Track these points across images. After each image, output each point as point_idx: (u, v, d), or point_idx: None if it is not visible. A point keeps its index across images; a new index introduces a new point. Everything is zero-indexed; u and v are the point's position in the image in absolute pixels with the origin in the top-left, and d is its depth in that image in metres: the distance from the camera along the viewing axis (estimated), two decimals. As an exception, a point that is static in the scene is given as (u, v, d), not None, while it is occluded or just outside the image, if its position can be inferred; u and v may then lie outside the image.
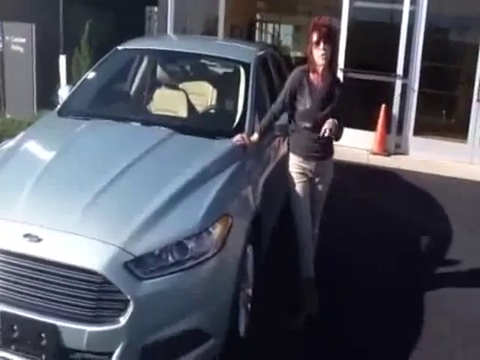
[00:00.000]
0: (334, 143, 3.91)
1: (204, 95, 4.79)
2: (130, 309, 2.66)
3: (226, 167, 3.45)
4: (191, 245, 2.85)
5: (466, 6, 8.14)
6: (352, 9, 8.59)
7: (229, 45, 5.85)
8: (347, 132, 3.99)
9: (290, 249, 3.95)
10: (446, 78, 8.84)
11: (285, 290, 4.10)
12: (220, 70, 5.27)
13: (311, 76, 3.77)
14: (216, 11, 9.88)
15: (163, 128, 3.84)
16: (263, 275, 3.77)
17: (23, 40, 8.72)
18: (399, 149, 8.55)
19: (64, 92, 4.52)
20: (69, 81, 8.38)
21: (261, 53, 4.90)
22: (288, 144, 4.07)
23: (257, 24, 16.10)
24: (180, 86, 4.82)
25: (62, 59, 8.77)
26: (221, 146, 3.68)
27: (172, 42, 5.79)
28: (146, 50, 5.01)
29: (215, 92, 4.82)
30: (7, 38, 8.78)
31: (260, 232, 3.61)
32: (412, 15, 8.26)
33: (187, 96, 4.49)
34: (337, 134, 3.75)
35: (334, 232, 4.85)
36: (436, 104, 9.25)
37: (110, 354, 2.71)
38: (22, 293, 2.75)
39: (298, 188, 3.83)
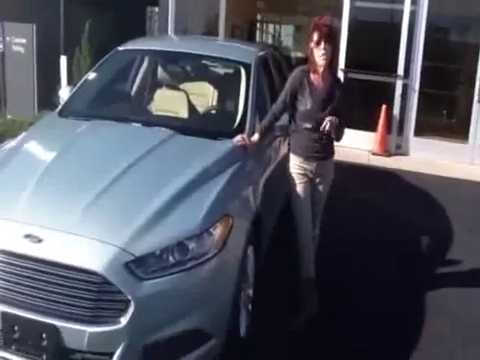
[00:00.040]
0: (335, 144, 3.92)
1: (205, 96, 4.80)
2: (131, 309, 2.67)
3: (227, 167, 3.45)
4: (192, 245, 2.86)
5: (467, 6, 8.14)
6: (353, 9, 8.58)
7: (230, 45, 5.86)
8: (348, 133, 3.99)
9: (290, 249, 3.96)
10: (447, 78, 8.84)
11: (285, 290, 4.11)
12: (221, 70, 5.28)
13: (312, 76, 3.77)
14: (217, 11, 9.88)
15: (164, 129, 3.85)
16: (263, 275, 3.78)
17: (24, 41, 8.72)
18: (400, 150, 8.54)
19: (65, 93, 4.53)
20: (70, 82, 8.39)
21: (262, 53, 4.91)
22: (289, 144, 4.07)
23: (258, 24, 16.08)
24: (181, 87, 4.82)
25: (63, 59, 8.78)
26: (222, 147, 3.69)
27: (173, 43, 5.80)
28: (147, 51, 5.02)
29: (216, 93, 4.82)
30: (8, 39, 8.79)
31: (260, 232, 3.62)
32: (413, 15, 8.25)
33: (188, 97, 4.50)
34: (338, 133, 3.76)
35: (334, 232, 4.86)
36: (437, 104, 9.25)
37: (111, 354, 2.72)
38: (23, 293, 2.75)
39: (299, 188, 3.83)
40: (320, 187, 3.92)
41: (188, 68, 5.50)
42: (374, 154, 8.36)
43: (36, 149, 3.77)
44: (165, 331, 2.78)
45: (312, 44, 3.67)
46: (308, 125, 3.75)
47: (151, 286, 2.73)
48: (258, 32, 16.13)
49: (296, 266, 3.87)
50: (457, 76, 9.07)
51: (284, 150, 4.49)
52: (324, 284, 3.96)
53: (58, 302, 2.71)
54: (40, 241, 2.74)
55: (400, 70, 8.39)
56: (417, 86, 8.33)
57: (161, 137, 3.70)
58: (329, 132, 3.66)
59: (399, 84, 8.44)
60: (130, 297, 2.67)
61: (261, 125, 3.89)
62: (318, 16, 3.77)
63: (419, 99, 8.38)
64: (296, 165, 3.85)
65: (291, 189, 3.88)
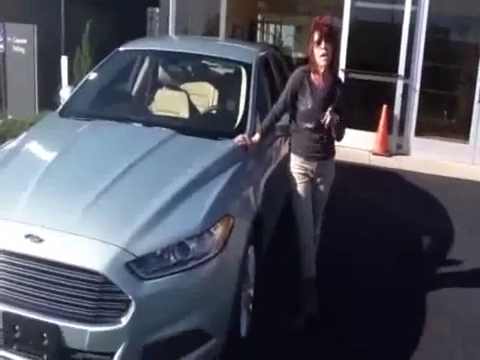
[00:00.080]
0: (335, 144, 3.92)
1: (205, 96, 4.80)
2: (132, 309, 2.67)
3: (227, 168, 3.46)
4: (193, 245, 2.86)
5: (467, 6, 8.14)
6: (353, 9, 8.59)
7: (230, 46, 5.86)
8: (348, 133, 3.99)
9: (291, 249, 3.96)
10: (448, 78, 8.84)
11: (285, 290, 4.11)
12: (221, 71, 5.29)
13: (312, 76, 3.77)
14: (217, 12, 9.89)
15: (164, 129, 3.85)
16: (263, 275, 3.78)
17: (25, 41, 8.73)
18: (400, 150, 8.55)
19: (65, 93, 4.54)
20: (71, 82, 8.39)
21: (262, 54, 4.91)
22: (289, 144, 4.07)
23: (258, 25, 16.09)
24: (181, 87, 4.83)
25: (64, 60, 8.79)
26: (222, 147, 3.69)
27: (173, 43, 5.81)
28: (147, 51, 5.03)
29: (216, 93, 4.83)
30: (9, 39, 8.79)
31: (261, 232, 3.62)
32: (413, 15, 8.26)
33: (188, 97, 4.51)
34: (339, 133, 3.76)
35: (335, 232, 4.86)
36: (438, 104, 9.25)
37: (112, 354, 2.72)
38: (24, 293, 2.75)
39: (300, 188, 3.84)
40: (321, 187, 3.92)
41: (189, 68, 5.51)
42: (375, 154, 8.37)
43: (37, 149, 3.78)
44: (165, 331, 2.78)
45: (313, 44, 3.68)
46: (309, 125, 3.75)
47: (152, 286, 2.73)
48: (259, 32, 16.13)
49: (296, 266, 3.88)
50: (458, 76, 9.08)
51: (285, 150, 4.49)
52: (324, 284, 3.96)
53: (59, 302, 2.71)
54: (41, 241, 2.75)
55: (401, 70, 8.40)
56: (418, 86, 8.34)
57: (162, 137, 3.70)
58: (329, 127, 3.65)
59: (400, 84, 8.45)
60: (131, 297, 2.67)
61: (262, 125, 3.89)
62: (319, 16, 3.78)
63: (420, 99, 8.38)
64: (297, 165, 3.86)
65: (292, 189, 3.88)
